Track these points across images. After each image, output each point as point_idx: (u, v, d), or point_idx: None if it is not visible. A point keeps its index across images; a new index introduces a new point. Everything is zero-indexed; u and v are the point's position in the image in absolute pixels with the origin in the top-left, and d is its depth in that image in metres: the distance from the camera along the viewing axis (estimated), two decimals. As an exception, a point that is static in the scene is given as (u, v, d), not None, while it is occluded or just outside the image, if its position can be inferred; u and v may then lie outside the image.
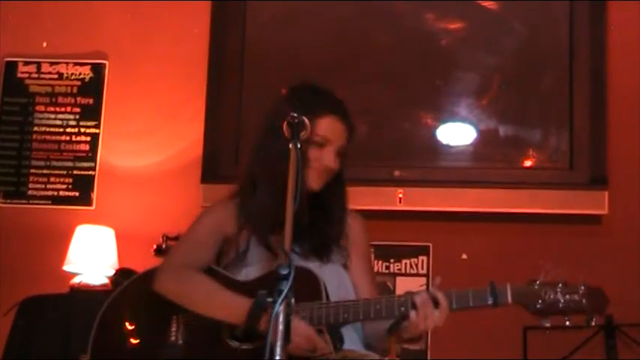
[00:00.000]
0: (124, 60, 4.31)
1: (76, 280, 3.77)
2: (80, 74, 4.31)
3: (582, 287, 2.10)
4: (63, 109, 4.29)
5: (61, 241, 3.93)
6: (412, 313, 2.09)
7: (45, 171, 4.23)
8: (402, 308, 2.11)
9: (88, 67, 4.31)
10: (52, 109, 4.29)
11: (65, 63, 4.32)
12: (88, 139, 4.25)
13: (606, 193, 3.88)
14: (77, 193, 4.20)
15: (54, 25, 4.36)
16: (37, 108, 4.29)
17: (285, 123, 2.06)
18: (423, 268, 4.00)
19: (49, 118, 4.28)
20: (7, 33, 4.33)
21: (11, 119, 4.28)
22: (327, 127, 2.28)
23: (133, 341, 2.28)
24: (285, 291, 1.75)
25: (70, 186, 4.21)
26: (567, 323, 2.08)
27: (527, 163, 4.18)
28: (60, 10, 4.35)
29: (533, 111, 4.22)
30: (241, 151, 4.14)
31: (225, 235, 2.35)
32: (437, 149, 4.23)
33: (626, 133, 4.00)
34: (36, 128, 4.27)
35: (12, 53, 4.34)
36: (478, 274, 3.42)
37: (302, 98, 2.31)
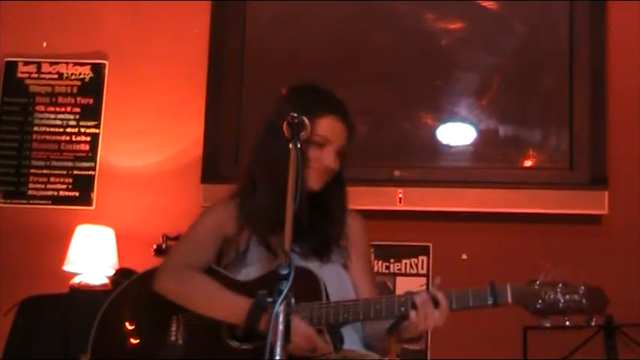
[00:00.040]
0: (124, 60, 4.31)
1: (76, 280, 3.77)
2: (80, 74, 4.31)
3: (582, 287, 2.10)
4: (63, 109, 4.29)
5: (61, 241, 3.93)
6: (412, 313, 2.09)
7: (45, 171, 4.23)
8: (402, 308, 2.11)
9: (88, 67, 4.31)
10: (52, 109, 4.29)
11: (65, 63, 4.32)
12: (88, 139, 4.25)
13: (606, 193, 3.88)
14: (77, 193, 4.20)
15: (54, 25, 4.36)
16: (37, 108, 4.29)
17: (285, 123, 2.06)
18: (423, 268, 4.00)
19: (49, 118, 4.28)
20: (7, 33, 4.33)
21: (11, 119, 4.28)
22: (327, 127, 2.28)
23: (133, 341, 2.27)
24: (285, 291, 1.75)
25: (70, 186, 4.21)
26: (567, 323, 2.08)
27: (527, 163, 4.18)
28: (60, 10, 4.35)
29: (533, 111, 4.22)
30: (241, 151, 4.14)
31: (226, 235, 2.35)
32: (437, 149, 4.23)
33: (626, 133, 4.00)
34: (36, 128, 4.27)
35: (12, 53, 4.33)
36: (478, 274, 3.42)
37: (302, 98, 2.31)
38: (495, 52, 4.26)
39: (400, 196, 3.96)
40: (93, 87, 4.29)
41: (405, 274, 4.00)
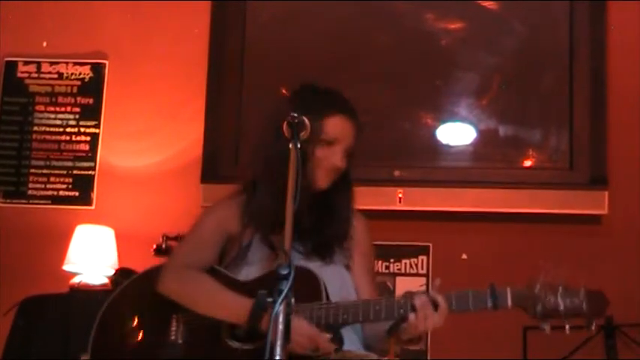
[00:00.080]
0: (124, 60, 4.31)
1: (75, 280, 3.77)
2: (80, 74, 4.30)
3: (582, 291, 2.09)
4: (63, 109, 4.28)
5: (61, 241, 3.93)
6: (411, 315, 2.09)
7: (45, 171, 4.23)
8: (402, 310, 2.11)
9: (88, 67, 4.31)
10: (52, 108, 4.29)
11: (65, 63, 4.32)
12: (88, 139, 4.25)
13: (606, 193, 3.87)
14: (77, 193, 4.20)
15: (54, 25, 4.35)
16: (37, 108, 4.29)
17: (285, 123, 2.06)
18: (423, 268, 4.00)
19: (48, 118, 4.28)
20: (7, 33, 4.33)
21: (11, 119, 4.28)
22: (337, 126, 2.29)
23: (133, 341, 2.28)
24: (285, 291, 1.75)
25: (70, 186, 4.21)
26: (567, 332, 2.08)
27: (527, 163, 4.18)
28: (60, 10, 4.35)
29: (533, 111, 4.22)
30: (241, 151, 4.14)
31: (229, 234, 2.35)
32: (437, 149, 4.23)
33: (626, 133, 4.00)
34: (36, 128, 4.27)
35: (12, 53, 4.33)
36: (478, 274, 3.42)
37: (312, 97, 2.32)
38: (495, 52, 4.26)
39: (400, 196, 3.96)
40: (93, 87, 4.28)
41: (405, 274, 4.00)
